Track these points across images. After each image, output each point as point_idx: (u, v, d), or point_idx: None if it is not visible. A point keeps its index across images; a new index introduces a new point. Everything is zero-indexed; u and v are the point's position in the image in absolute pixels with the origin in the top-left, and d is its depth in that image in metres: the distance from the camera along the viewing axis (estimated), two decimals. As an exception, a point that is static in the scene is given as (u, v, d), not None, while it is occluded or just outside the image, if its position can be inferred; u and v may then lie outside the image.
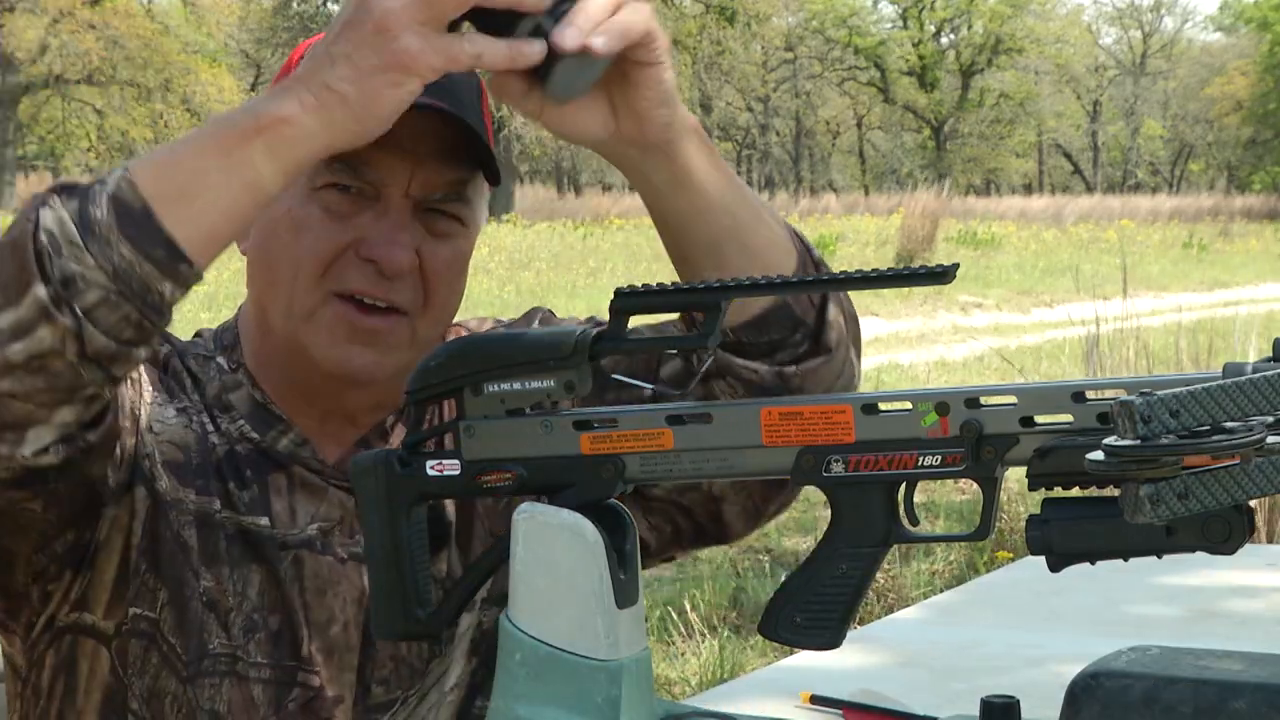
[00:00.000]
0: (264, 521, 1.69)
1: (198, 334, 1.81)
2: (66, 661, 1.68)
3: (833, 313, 1.64)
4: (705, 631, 5.86)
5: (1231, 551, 1.24)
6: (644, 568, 1.85)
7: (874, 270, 1.37)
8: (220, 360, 1.75)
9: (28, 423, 1.44)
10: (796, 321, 1.62)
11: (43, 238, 1.38)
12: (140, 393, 1.69)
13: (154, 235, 1.39)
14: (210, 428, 1.71)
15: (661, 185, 1.56)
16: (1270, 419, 1.11)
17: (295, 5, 40.65)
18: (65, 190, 1.41)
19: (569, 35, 1.41)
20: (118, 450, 1.63)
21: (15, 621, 1.70)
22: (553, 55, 1.43)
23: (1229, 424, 1.08)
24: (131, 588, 1.66)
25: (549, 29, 1.42)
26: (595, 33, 1.42)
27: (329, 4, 39.59)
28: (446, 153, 1.67)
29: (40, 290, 1.38)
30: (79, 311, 1.38)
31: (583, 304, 16.15)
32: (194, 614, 1.66)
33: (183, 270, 1.40)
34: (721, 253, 1.59)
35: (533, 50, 1.41)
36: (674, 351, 1.71)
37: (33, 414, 1.43)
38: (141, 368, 1.70)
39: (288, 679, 1.68)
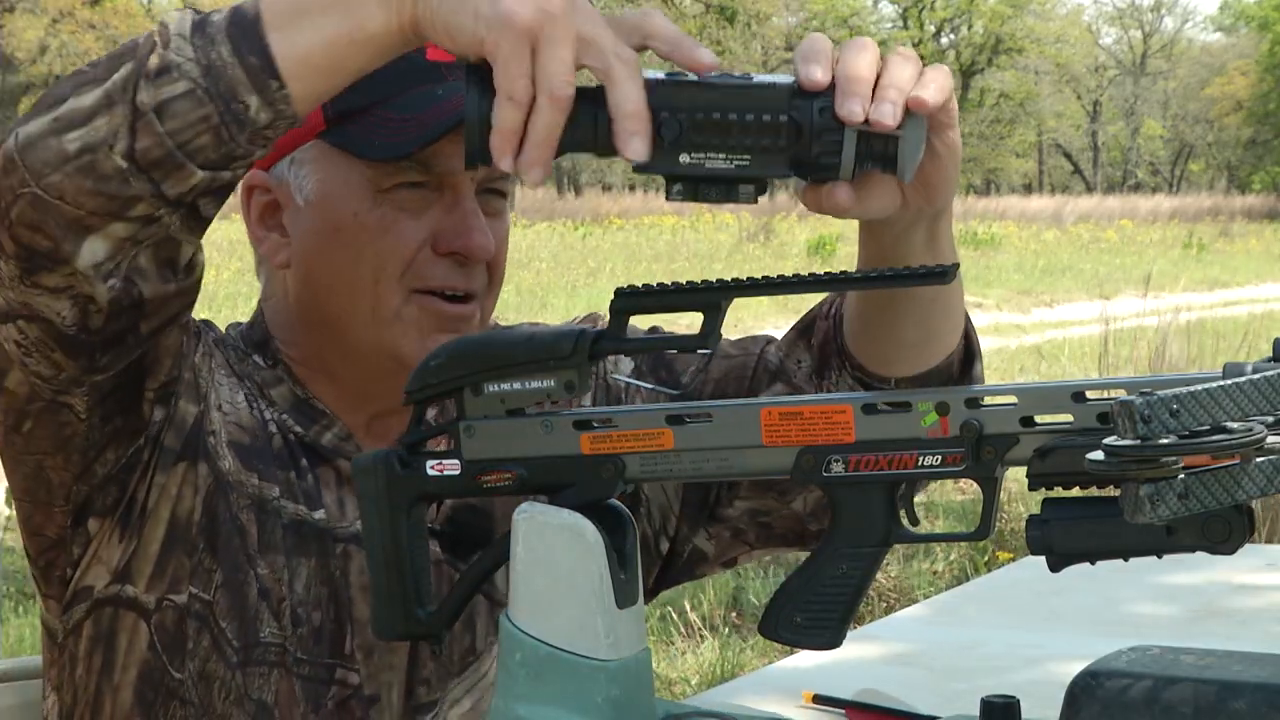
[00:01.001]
0: (320, 514, 1.70)
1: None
2: (105, 634, 1.67)
3: (977, 369, 1.68)
4: (705, 631, 5.86)
5: (1231, 551, 1.24)
6: (696, 577, 1.87)
7: (874, 270, 1.38)
8: (256, 358, 1.74)
9: (81, 226, 1.40)
10: (947, 380, 1.66)
11: (157, 33, 1.38)
12: (212, 369, 1.70)
13: (255, 42, 1.36)
14: (267, 415, 1.72)
15: (917, 247, 1.52)
16: (1270, 419, 1.11)
17: (295, 5, 40.65)
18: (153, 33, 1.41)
19: (892, 107, 1.32)
20: (173, 397, 1.64)
21: (48, 582, 1.69)
22: (886, 140, 1.34)
23: (1229, 424, 1.09)
24: (188, 566, 1.65)
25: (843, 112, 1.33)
26: (919, 91, 1.34)
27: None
28: None
29: (119, 75, 1.37)
30: (139, 104, 1.36)
31: (583, 304, 16.15)
32: (249, 600, 1.66)
33: (272, 87, 1.37)
34: (933, 310, 1.59)
35: (635, 150, 1.30)
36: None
37: (83, 219, 1.40)
38: (214, 349, 1.71)
39: (327, 676, 1.68)
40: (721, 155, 1.33)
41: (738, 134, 1.33)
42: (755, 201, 1.37)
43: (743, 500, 1.77)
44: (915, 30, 54.60)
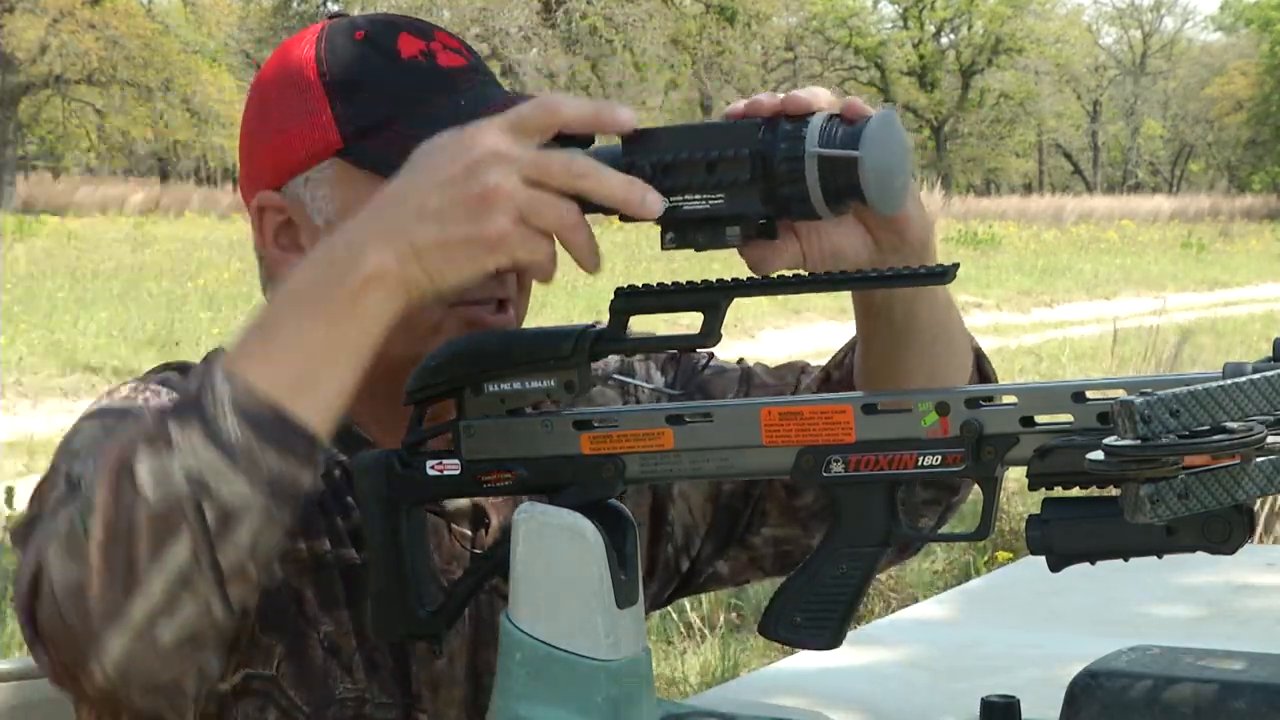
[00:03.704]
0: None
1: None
2: None
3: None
4: (705, 631, 5.86)
5: (1231, 551, 1.24)
6: (707, 591, 1.86)
7: (874, 270, 1.37)
8: None
9: (183, 687, 1.35)
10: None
11: (181, 485, 1.28)
12: None
13: (293, 433, 1.31)
14: None
15: (910, 290, 1.53)
16: (1270, 419, 1.11)
17: (295, 5, 40.66)
18: (152, 439, 1.30)
19: (810, 95, 1.34)
20: None
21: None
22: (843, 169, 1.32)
23: (1229, 424, 1.09)
24: (241, 649, 1.59)
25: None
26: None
27: (329, 4, 39.61)
28: None
29: (180, 550, 1.28)
30: (225, 566, 1.29)
31: (583, 304, 16.16)
32: (317, 663, 1.60)
33: (316, 454, 1.34)
34: (936, 351, 1.58)
35: (646, 206, 1.32)
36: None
37: (185, 678, 1.35)
38: None
39: (405, 717, 1.63)
40: (696, 196, 1.32)
41: (705, 171, 1.32)
42: (744, 244, 1.36)
43: (770, 528, 1.76)
44: (915, 30, 54.56)
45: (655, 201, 1.31)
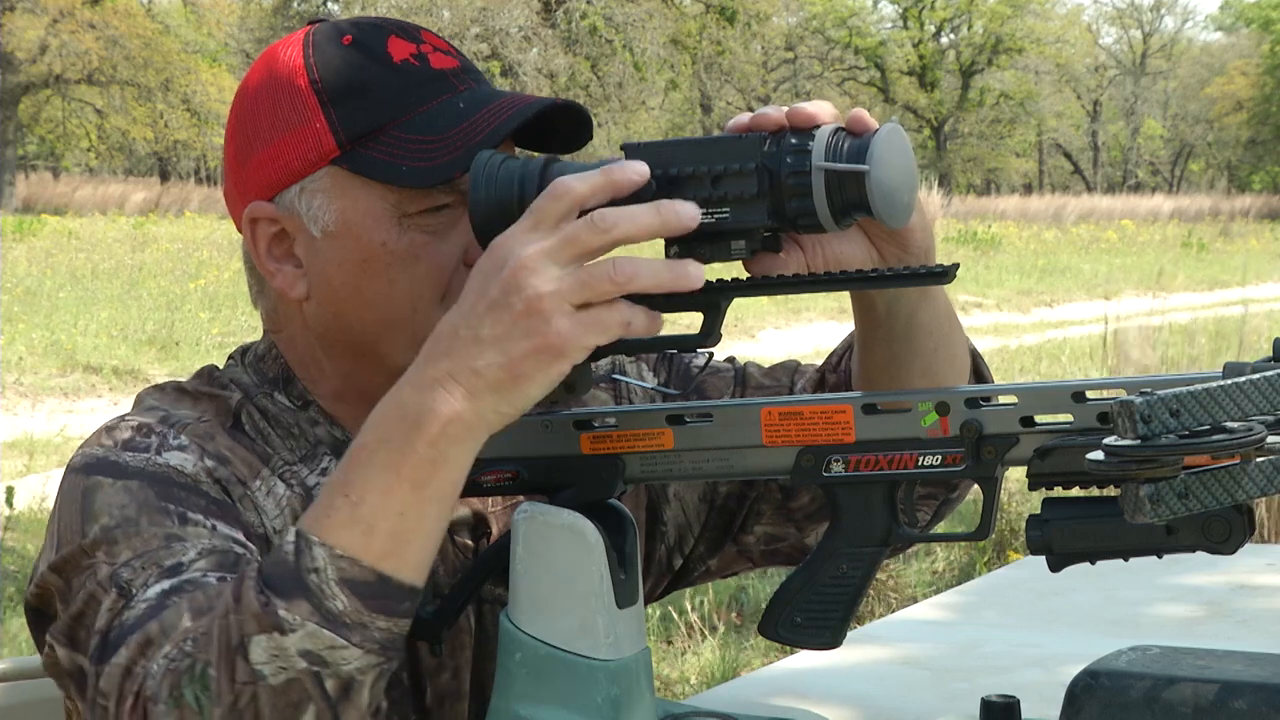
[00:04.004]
0: None
1: (222, 367, 1.68)
2: None
3: None
4: (705, 631, 5.85)
5: (1231, 551, 1.24)
6: (695, 584, 1.86)
7: (874, 270, 1.37)
8: (280, 397, 1.64)
9: None
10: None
11: (299, 663, 1.30)
12: (250, 495, 1.57)
13: (398, 593, 1.33)
14: (311, 481, 1.61)
15: (912, 297, 1.54)
16: (1270, 419, 1.11)
17: (295, 5, 40.66)
18: (259, 618, 1.31)
19: (828, 106, 1.35)
20: None
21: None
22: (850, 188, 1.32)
23: (1229, 424, 1.08)
24: None
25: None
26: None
27: (329, 4, 39.59)
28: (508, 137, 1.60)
29: None
30: None
31: (583, 304, 16.10)
32: None
33: (417, 602, 1.36)
34: (937, 357, 1.58)
35: (690, 280, 1.33)
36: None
37: None
38: (248, 476, 1.58)
39: None
40: (703, 211, 1.32)
41: (711, 185, 1.32)
42: (750, 257, 1.36)
43: (763, 526, 1.76)
44: (915, 30, 54.56)
45: (697, 274, 1.32)
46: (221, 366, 1.69)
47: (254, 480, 1.57)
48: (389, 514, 1.33)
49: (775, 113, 1.35)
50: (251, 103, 1.61)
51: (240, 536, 1.48)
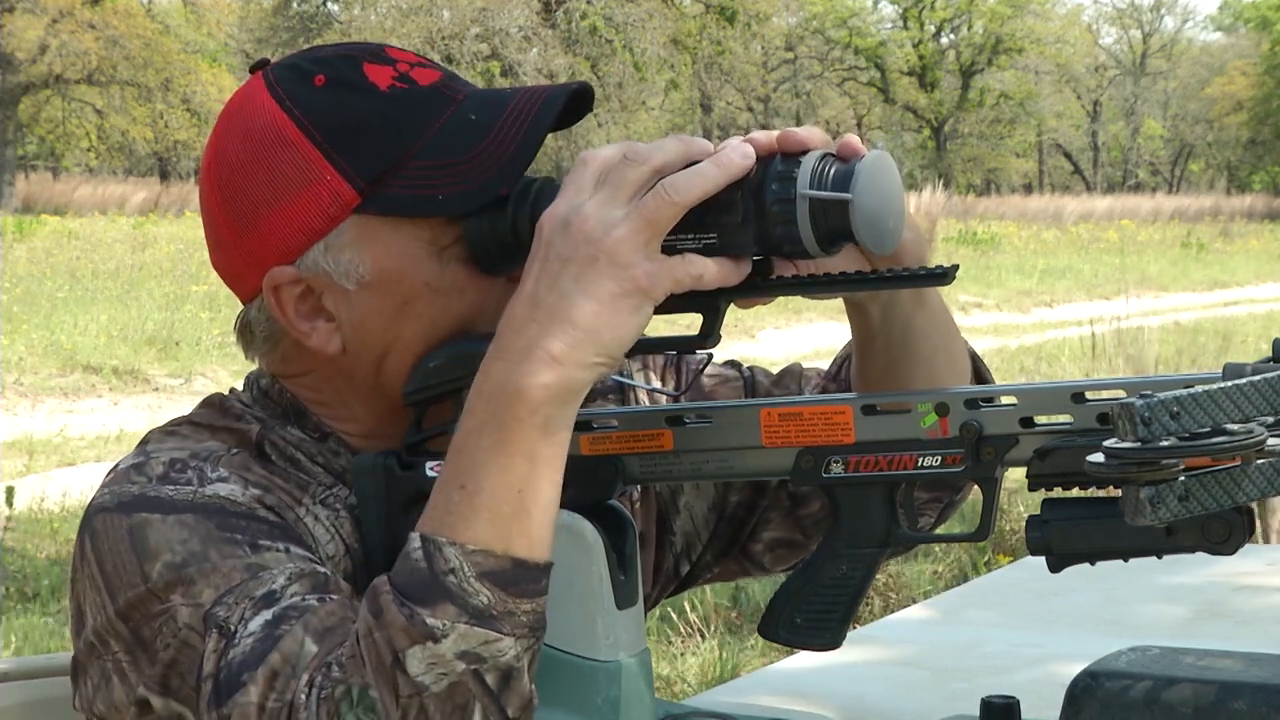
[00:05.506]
0: None
1: (224, 402, 1.61)
2: None
3: None
4: (705, 631, 5.85)
5: (1231, 551, 1.24)
6: (699, 586, 1.86)
7: (874, 271, 1.37)
8: (294, 430, 1.57)
9: None
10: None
11: (458, 665, 1.30)
12: (312, 533, 1.53)
13: (534, 574, 1.33)
14: (354, 501, 1.55)
15: (906, 304, 1.54)
16: (1270, 420, 1.11)
17: (295, 5, 40.63)
18: (409, 631, 1.30)
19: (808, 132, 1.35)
20: None
21: None
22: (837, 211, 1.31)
23: (1229, 425, 1.08)
24: None
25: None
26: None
27: (329, 4, 39.55)
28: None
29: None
30: (508, 713, 1.32)
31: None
32: None
33: (550, 572, 1.35)
34: (936, 362, 1.57)
35: (742, 267, 1.35)
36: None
37: None
38: (293, 503, 1.53)
39: None
40: (689, 235, 1.32)
41: (699, 210, 1.31)
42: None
43: (771, 532, 1.75)
44: (915, 30, 54.54)
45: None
46: (227, 393, 1.63)
47: (298, 507, 1.51)
48: (509, 494, 1.32)
49: (765, 137, 1.35)
50: (238, 171, 1.51)
51: (315, 557, 1.45)
